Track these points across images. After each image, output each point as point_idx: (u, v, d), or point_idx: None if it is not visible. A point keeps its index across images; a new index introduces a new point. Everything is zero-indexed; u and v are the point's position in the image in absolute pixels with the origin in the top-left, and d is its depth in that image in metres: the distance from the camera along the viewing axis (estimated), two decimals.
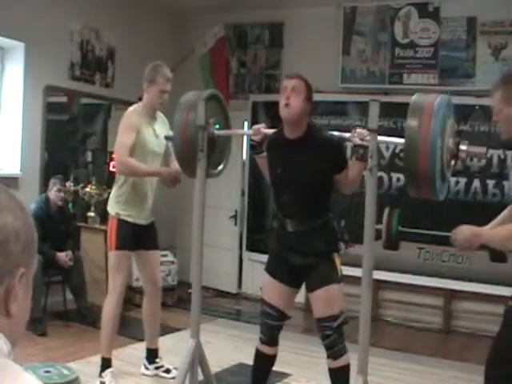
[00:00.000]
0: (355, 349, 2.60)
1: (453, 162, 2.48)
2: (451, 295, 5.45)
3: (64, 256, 4.79)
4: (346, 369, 2.90)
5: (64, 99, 6.01)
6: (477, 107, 5.39)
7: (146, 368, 3.89)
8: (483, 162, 5.30)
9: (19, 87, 5.19)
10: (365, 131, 2.69)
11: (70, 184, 5.44)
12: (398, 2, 5.84)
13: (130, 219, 3.62)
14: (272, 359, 3.11)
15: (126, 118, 3.62)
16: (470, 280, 5.24)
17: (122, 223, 3.60)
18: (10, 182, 4.92)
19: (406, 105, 6.33)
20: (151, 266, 3.81)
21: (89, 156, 6.28)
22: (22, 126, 5.20)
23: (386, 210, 5.23)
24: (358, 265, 2.76)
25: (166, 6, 6.47)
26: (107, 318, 3.54)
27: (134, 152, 3.53)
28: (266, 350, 3.08)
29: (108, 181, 5.87)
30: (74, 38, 5.69)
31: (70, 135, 6.23)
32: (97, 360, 3.71)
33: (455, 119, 2.52)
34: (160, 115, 3.79)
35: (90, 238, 5.44)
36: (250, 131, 3.14)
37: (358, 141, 2.73)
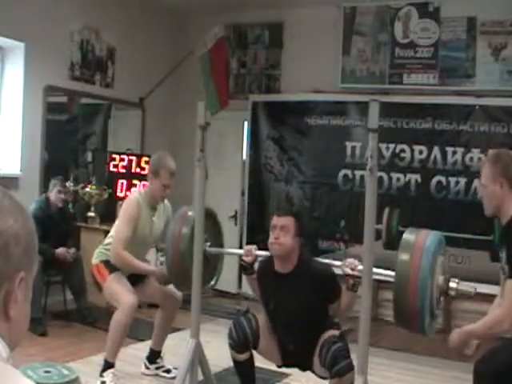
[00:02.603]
0: (355, 349, 2.60)
1: (442, 299, 2.52)
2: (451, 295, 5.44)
3: (63, 250, 4.78)
4: None
5: (64, 99, 6.01)
6: (477, 107, 5.39)
7: (147, 367, 3.89)
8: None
9: (19, 87, 5.19)
10: (356, 261, 2.69)
11: (70, 184, 5.44)
12: (398, 1, 5.83)
13: None
14: (248, 362, 3.08)
15: (128, 206, 3.62)
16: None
17: (106, 261, 3.63)
18: (9, 182, 4.92)
19: (405, 105, 6.32)
20: (155, 285, 3.74)
21: (89, 156, 6.28)
22: (21, 126, 5.20)
23: (386, 210, 5.24)
24: None
25: (166, 5, 6.47)
26: (116, 327, 3.48)
27: (132, 239, 3.55)
28: (239, 357, 3.05)
29: (108, 181, 5.88)
30: (74, 38, 5.69)
31: (70, 135, 6.22)
32: (97, 360, 3.71)
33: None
34: (162, 204, 3.79)
35: (90, 238, 5.42)
36: (242, 251, 3.13)
37: (348, 271, 2.72)
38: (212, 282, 3.47)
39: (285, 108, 6.24)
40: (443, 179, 5.48)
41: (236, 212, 6.56)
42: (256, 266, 3.12)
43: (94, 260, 3.70)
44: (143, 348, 4.11)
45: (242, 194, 6.59)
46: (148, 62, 6.38)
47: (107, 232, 3.95)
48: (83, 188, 5.61)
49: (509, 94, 5.29)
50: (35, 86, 5.26)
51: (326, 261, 3.01)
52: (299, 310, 2.93)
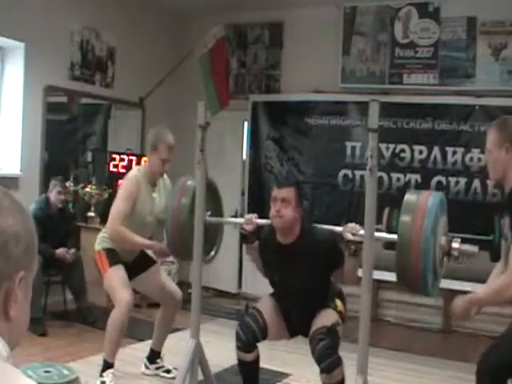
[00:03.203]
0: (355, 349, 2.60)
1: (445, 259, 2.52)
2: (451, 295, 5.43)
3: (63, 251, 4.78)
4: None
5: (64, 99, 6.01)
6: (477, 107, 5.39)
7: (147, 367, 3.89)
8: (483, 161, 5.30)
9: (19, 87, 5.19)
10: (357, 226, 2.68)
11: (69, 184, 5.44)
12: (398, 1, 5.83)
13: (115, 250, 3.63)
14: (255, 363, 3.07)
15: (127, 183, 3.60)
16: (470, 280, 5.23)
17: (108, 250, 3.61)
18: (9, 182, 4.92)
19: (405, 105, 6.32)
20: (156, 281, 3.74)
21: (89, 156, 6.28)
22: (21, 126, 5.20)
23: (386, 210, 5.24)
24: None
25: (166, 6, 6.47)
26: (113, 326, 3.47)
27: (130, 219, 3.53)
28: (246, 357, 3.02)
29: (108, 181, 5.88)
30: (74, 38, 5.70)
31: (70, 135, 6.23)
32: (97, 360, 3.71)
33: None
34: (162, 180, 3.77)
35: (90, 238, 5.39)
36: (242, 220, 3.12)
37: (349, 236, 2.71)
38: (212, 253, 3.44)
39: (285, 108, 6.24)
40: (443, 179, 5.48)
41: (236, 212, 6.56)
42: (257, 235, 3.10)
43: (97, 246, 3.68)
44: (143, 348, 4.10)
45: (242, 194, 6.59)
46: (148, 62, 6.38)
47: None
48: (83, 188, 5.61)
49: (509, 94, 5.29)
50: (35, 86, 5.26)
51: (328, 227, 2.98)
52: (303, 280, 2.94)
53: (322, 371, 2.82)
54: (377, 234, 2.57)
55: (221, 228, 3.51)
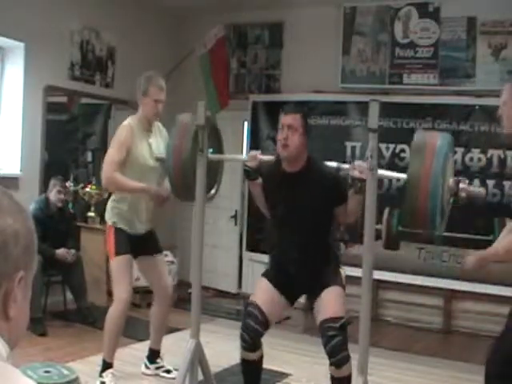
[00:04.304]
0: (355, 349, 2.60)
1: (452, 200, 2.53)
2: (451, 295, 5.45)
3: (64, 252, 4.78)
4: (348, 379, 2.88)
5: (64, 99, 6.01)
6: (477, 107, 5.39)
7: (147, 367, 3.89)
8: (483, 162, 5.30)
9: (19, 87, 5.19)
10: (364, 164, 2.65)
11: (70, 184, 5.44)
12: (398, 1, 5.83)
13: (125, 229, 3.61)
14: (259, 363, 3.06)
15: (119, 132, 3.57)
16: (470, 280, 5.23)
17: (118, 231, 3.59)
18: (9, 182, 4.92)
19: (405, 105, 6.31)
20: (156, 270, 3.75)
21: (89, 156, 6.28)
22: (21, 126, 5.20)
23: (386, 210, 5.24)
24: (358, 265, 2.77)
25: (166, 5, 6.47)
26: (111, 326, 3.49)
27: (131, 168, 3.50)
28: (250, 356, 3.02)
29: None
30: (74, 38, 5.69)
31: (70, 135, 6.23)
32: (97, 360, 3.71)
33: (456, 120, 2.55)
34: (157, 126, 3.74)
35: (90, 238, 5.44)
36: (245, 157, 3.10)
37: (356, 174, 2.69)
38: (212, 191, 3.41)
39: None
40: None
41: (236, 212, 6.56)
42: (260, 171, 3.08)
43: (108, 218, 3.67)
44: (143, 348, 4.10)
45: (242, 193, 6.59)
46: (148, 62, 6.36)
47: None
48: (83, 188, 5.61)
49: None
50: (35, 86, 5.26)
51: (334, 164, 2.97)
52: (306, 209, 2.94)
53: (331, 364, 2.86)
54: (383, 172, 2.57)
55: (221, 164, 3.47)
